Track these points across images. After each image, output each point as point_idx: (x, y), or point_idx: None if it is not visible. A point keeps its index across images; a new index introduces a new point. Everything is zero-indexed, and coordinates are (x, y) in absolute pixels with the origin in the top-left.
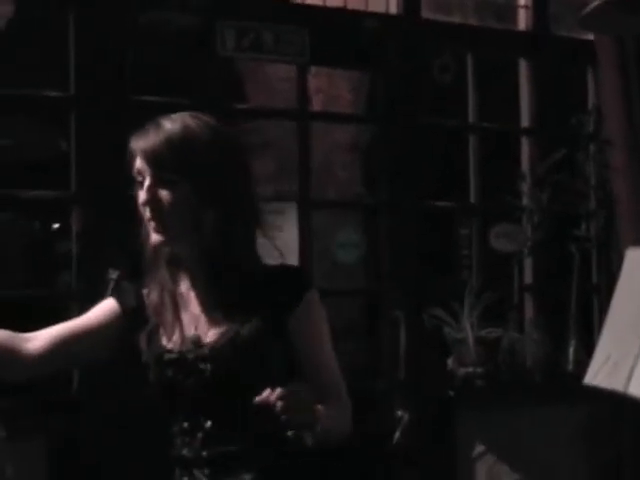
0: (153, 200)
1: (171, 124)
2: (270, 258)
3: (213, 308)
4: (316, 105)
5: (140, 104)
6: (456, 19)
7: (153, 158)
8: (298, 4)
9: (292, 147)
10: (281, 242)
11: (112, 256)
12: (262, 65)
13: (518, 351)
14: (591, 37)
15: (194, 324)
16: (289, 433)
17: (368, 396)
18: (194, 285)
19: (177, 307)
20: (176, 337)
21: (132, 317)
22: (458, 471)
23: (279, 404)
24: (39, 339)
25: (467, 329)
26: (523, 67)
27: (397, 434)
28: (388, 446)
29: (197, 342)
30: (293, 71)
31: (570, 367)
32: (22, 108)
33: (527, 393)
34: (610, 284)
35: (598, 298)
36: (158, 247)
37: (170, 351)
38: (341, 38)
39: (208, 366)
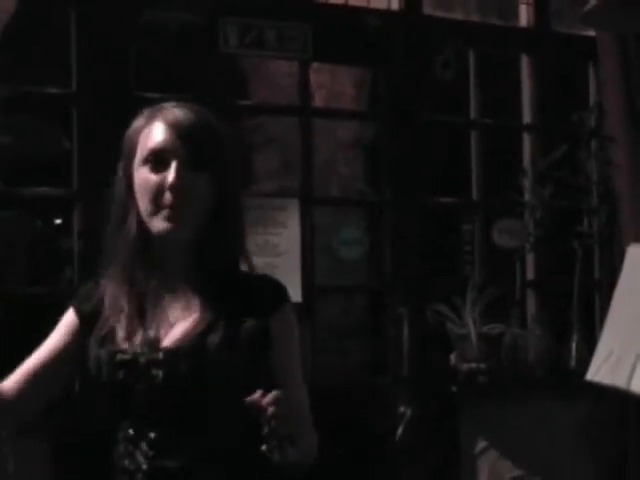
0: (180, 184)
1: (198, 107)
2: (270, 257)
3: (182, 311)
4: (319, 101)
5: (143, 101)
6: (458, 15)
7: (190, 134)
8: (300, 0)
9: (295, 144)
10: (284, 239)
11: None
12: (265, 61)
13: (521, 347)
14: (592, 33)
15: (157, 326)
16: (264, 447)
17: (371, 392)
18: (166, 285)
19: (142, 306)
20: (137, 338)
21: (89, 321)
22: (461, 467)
23: (271, 409)
24: (10, 386)
25: (470, 325)
26: (525, 63)
27: (400, 430)
28: (391, 442)
29: (153, 345)
30: (296, 67)
31: (572, 363)
32: (24, 105)
33: (530, 389)
34: (612, 280)
35: (600, 294)
36: (166, 235)
37: (124, 351)
38: (343, 35)
39: (160, 372)
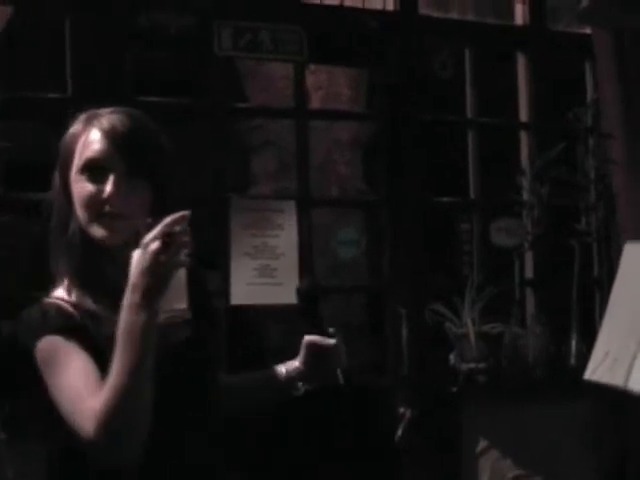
0: (118, 194)
1: (135, 112)
2: (268, 259)
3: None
4: (316, 102)
5: (139, 105)
6: (454, 15)
7: (128, 143)
8: (295, 2)
9: (292, 145)
10: (281, 240)
11: None
12: (261, 64)
13: (520, 346)
14: (589, 31)
15: None
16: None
17: (370, 392)
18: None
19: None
20: None
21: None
22: (462, 467)
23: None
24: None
25: (469, 325)
26: (521, 62)
27: (400, 430)
28: (391, 442)
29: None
30: (292, 69)
31: (572, 361)
32: (20, 110)
33: (530, 388)
34: (611, 277)
35: (599, 291)
36: (107, 242)
37: None
38: (339, 36)
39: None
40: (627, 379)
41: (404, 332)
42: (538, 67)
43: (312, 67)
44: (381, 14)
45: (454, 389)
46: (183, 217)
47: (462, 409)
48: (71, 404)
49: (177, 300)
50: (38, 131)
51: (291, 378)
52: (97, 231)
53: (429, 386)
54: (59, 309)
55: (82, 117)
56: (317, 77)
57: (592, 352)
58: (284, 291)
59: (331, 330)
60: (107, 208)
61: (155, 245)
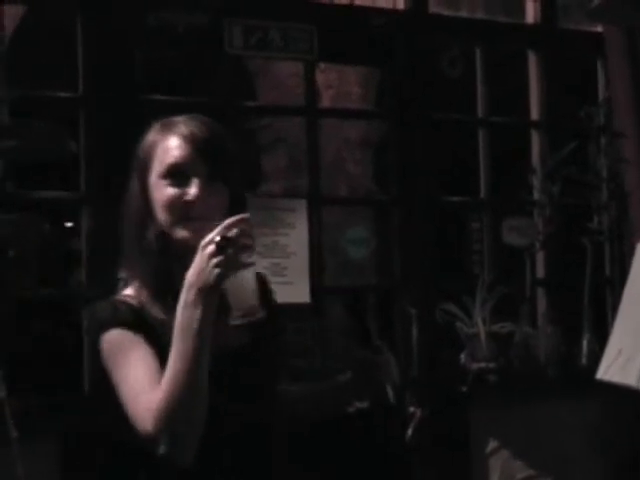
0: (203, 196)
1: (208, 120)
2: (279, 258)
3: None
4: (326, 101)
5: (149, 104)
6: (464, 13)
7: (210, 148)
8: (305, 1)
9: (302, 144)
10: (292, 239)
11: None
12: (271, 62)
13: (531, 346)
14: (600, 29)
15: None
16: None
17: (381, 392)
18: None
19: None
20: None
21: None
22: (472, 467)
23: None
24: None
25: (479, 324)
26: (532, 60)
27: (410, 430)
28: (401, 442)
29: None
30: (302, 68)
31: (584, 361)
32: (31, 109)
33: (541, 388)
34: (623, 277)
35: (611, 291)
36: (191, 242)
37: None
38: (349, 34)
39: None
40: (639, 378)
41: (414, 331)
42: (549, 65)
43: (322, 66)
44: (391, 13)
45: (464, 389)
46: (242, 220)
47: (472, 409)
48: (131, 396)
49: (248, 299)
50: (49, 130)
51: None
52: (181, 233)
53: (439, 386)
54: (129, 306)
55: (157, 125)
56: (327, 76)
57: (604, 352)
58: (295, 290)
59: (379, 344)
60: (191, 211)
61: (210, 249)
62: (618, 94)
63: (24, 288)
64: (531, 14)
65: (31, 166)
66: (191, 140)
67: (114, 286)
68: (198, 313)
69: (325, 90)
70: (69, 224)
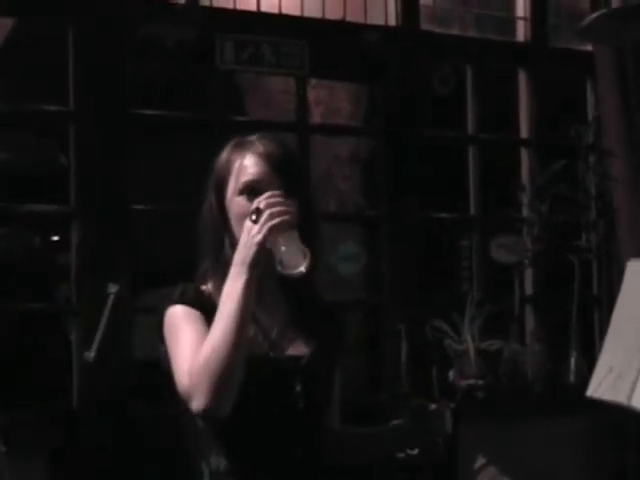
0: (292, 211)
1: (277, 138)
2: None
3: (287, 323)
4: (317, 117)
5: (139, 118)
6: (455, 31)
7: (284, 165)
8: (297, 17)
9: None
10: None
11: (111, 270)
12: (262, 77)
13: (519, 363)
14: (590, 48)
15: (267, 333)
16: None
17: (368, 408)
18: (265, 296)
19: (254, 316)
20: (258, 343)
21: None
22: None
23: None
24: None
25: (468, 341)
26: (522, 78)
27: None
28: (389, 459)
29: (283, 352)
30: (293, 83)
31: (572, 378)
32: (22, 122)
33: (529, 405)
34: (611, 294)
35: (599, 309)
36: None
37: (259, 356)
38: (340, 50)
39: (298, 378)
40: (630, 396)
41: (403, 348)
42: (539, 84)
43: (313, 82)
44: (383, 29)
45: (453, 405)
46: (271, 195)
47: (460, 425)
48: (179, 362)
49: (294, 254)
50: (39, 143)
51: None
52: (257, 238)
53: (428, 402)
54: (197, 289)
55: (231, 144)
56: (317, 92)
57: (594, 369)
58: None
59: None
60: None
61: (247, 224)
62: (607, 113)
63: (12, 301)
64: (522, 33)
65: (21, 179)
66: (267, 158)
67: (103, 300)
68: (241, 281)
69: (315, 106)
70: (56, 237)
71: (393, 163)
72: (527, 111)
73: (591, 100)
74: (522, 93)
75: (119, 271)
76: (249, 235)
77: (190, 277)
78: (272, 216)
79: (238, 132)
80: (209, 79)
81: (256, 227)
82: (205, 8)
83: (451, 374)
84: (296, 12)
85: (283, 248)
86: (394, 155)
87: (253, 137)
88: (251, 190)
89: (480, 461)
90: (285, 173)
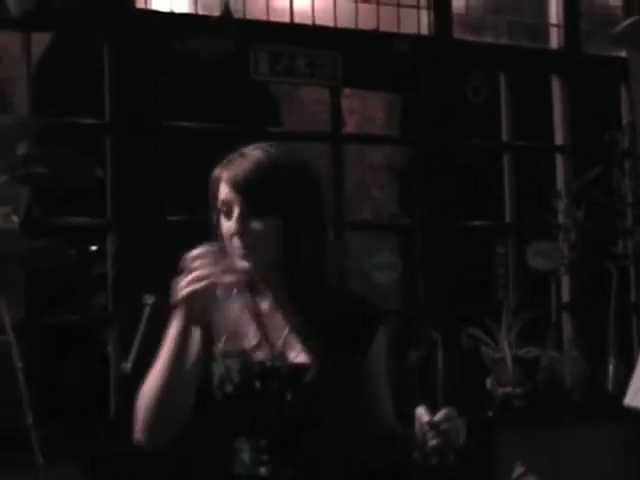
0: (243, 231)
1: (258, 154)
2: None
3: (299, 331)
4: (351, 126)
5: (175, 130)
6: (488, 39)
7: (244, 189)
8: (330, 27)
9: (327, 169)
10: None
11: (147, 281)
12: (296, 88)
13: (557, 370)
14: (623, 54)
15: (280, 342)
16: (415, 455)
17: (406, 417)
18: (278, 305)
19: (260, 323)
20: (261, 350)
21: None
22: None
23: (444, 426)
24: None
25: (505, 349)
26: (556, 85)
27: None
28: (427, 469)
29: (286, 360)
30: (327, 94)
31: (610, 386)
32: (58, 136)
33: (567, 413)
34: None
35: (637, 315)
36: (244, 273)
37: (261, 363)
38: (374, 60)
39: (301, 386)
40: None
41: (439, 356)
42: (573, 90)
43: (346, 91)
44: (415, 38)
45: (490, 414)
46: (197, 257)
47: (498, 434)
48: None
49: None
50: (75, 156)
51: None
52: (237, 261)
53: (465, 411)
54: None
55: (225, 160)
56: (351, 102)
57: (632, 377)
58: None
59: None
60: (237, 242)
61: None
62: None
63: (49, 313)
64: (555, 39)
65: (58, 192)
66: (229, 181)
67: (139, 311)
68: (176, 327)
69: (349, 116)
70: (93, 248)
71: (428, 171)
72: (561, 118)
73: (625, 105)
74: (556, 100)
75: (155, 282)
76: (177, 292)
77: None
78: (188, 283)
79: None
80: (243, 91)
81: (182, 281)
82: (239, 20)
83: (488, 382)
84: (329, 23)
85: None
86: (429, 163)
87: (239, 153)
88: (224, 209)
89: (518, 470)
90: (247, 196)
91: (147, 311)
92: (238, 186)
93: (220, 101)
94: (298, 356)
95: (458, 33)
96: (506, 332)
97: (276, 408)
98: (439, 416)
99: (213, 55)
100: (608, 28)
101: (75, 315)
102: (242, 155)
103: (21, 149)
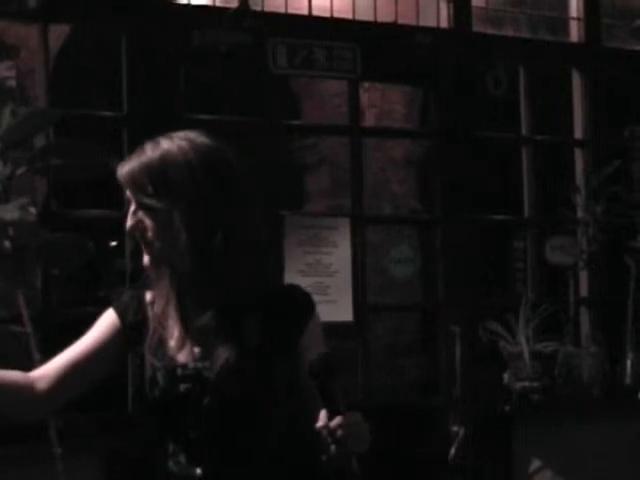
0: (136, 225)
1: (151, 149)
2: (322, 276)
3: (220, 326)
4: (370, 120)
5: (193, 122)
6: (508, 32)
7: (132, 185)
8: (349, 20)
9: (347, 163)
10: (335, 258)
11: None
12: (315, 81)
13: (575, 365)
14: None
15: (203, 341)
16: (323, 457)
17: (424, 411)
18: (201, 301)
19: (184, 322)
20: (186, 353)
21: (133, 330)
22: None
23: (340, 432)
24: (48, 372)
25: (523, 343)
26: (576, 78)
27: (453, 449)
28: (444, 461)
29: (210, 361)
30: (346, 86)
31: (628, 380)
32: (77, 128)
33: (585, 407)
34: None
35: None
36: (147, 267)
37: (184, 366)
38: (393, 53)
39: (227, 388)
40: None
41: (457, 350)
42: (593, 84)
43: (366, 85)
44: (435, 32)
45: (508, 408)
46: None
47: (515, 428)
48: None
49: None
50: (93, 148)
51: None
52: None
53: (482, 405)
54: (135, 295)
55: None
56: (371, 95)
57: None
58: (338, 308)
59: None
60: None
61: None
62: None
63: (68, 307)
64: (575, 33)
65: (75, 185)
66: (120, 175)
67: None
68: None
69: (368, 109)
70: (114, 243)
71: (447, 165)
72: (581, 111)
73: None
74: (576, 93)
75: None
76: None
77: None
78: None
79: (292, 135)
80: (262, 83)
81: None
82: (257, 13)
83: (506, 376)
84: (348, 15)
85: None
86: (448, 157)
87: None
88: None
89: (535, 464)
90: (135, 192)
91: (114, 296)
92: (126, 182)
93: (238, 94)
94: (218, 358)
95: (478, 26)
96: (524, 326)
97: (200, 411)
98: (335, 422)
99: (231, 48)
100: (628, 22)
101: (93, 307)
102: (138, 151)
103: (39, 141)
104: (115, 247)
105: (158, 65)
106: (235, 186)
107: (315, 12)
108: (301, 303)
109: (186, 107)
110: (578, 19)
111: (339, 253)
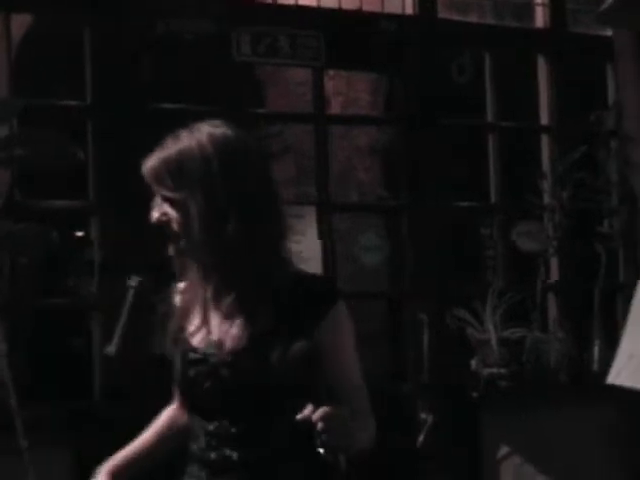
0: (162, 218)
1: (171, 143)
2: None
3: (237, 313)
4: (336, 108)
5: (157, 112)
6: (473, 18)
7: (154, 179)
8: (313, 7)
9: (312, 151)
10: (304, 246)
11: (133, 263)
12: (280, 69)
13: (542, 351)
14: (609, 33)
15: (220, 327)
16: (321, 451)
17: (392, 398)
18: (220, 289)
19: (206, 309)
20: (201, 338)
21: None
22: (484, 473)
23: (320, 425)
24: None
25: (490, 330)
26: (541, 64)
27: (421, 437)
28: (412, 449)
29: (219, 346)
30: (311, 74)
31: (595, 367)
32: (40, 118)
33: (552, 393)
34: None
35: (623, 296)
36: (174, 258)
37: (195, 350)
38: (357, 40)
39: (227, 372)
40: None
41: (425, 337)
42: (559, 70)
43: (331, 72)
44: (400, 18)
45: (475, 394)
46: None
47: (484, 414)
48: None
49: None
50: (57, 138)
51: None
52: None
53: (450, 392)
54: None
55: None
56: (336, 82)
57: (615, 356)
58: None
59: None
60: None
61: None
62: (628, 98)
63: (35, 297)
64: (540, 19)
65: (39, 175)
66: (144, 170)
67: (125, 293)
68: None
69: (334, 97)
70: (80, 233)
71: (413, 152)
72: (547, 98)
73: (611, 85)
74: (541, 79)
75: (140, 265)
76: None
77: None
78: None
79: (256, 124)
80: (227, 71)
81: None
82: (221, 1)
83: (473, 363)
84: (312, 3)
85: None
86: (414, 144)
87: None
88: None
89: (503, 450)
90: (157, 186)
91: (131, 293)
92: (149, 176)
93: (203, 82)
94: (235, 342)
95: (443, 12)
96: (491, 313)
97: (212, 395)
98: (316, 414)
99: (195, 36)
100: (594, 7)
101: (58, 299)
102: (162, 145)
103: (2, 131)
104: (81, 237)
105: (122, 54)
106: (251, 176)
107: (279, 0)
108: (322, 290)
109: (150, 96)
110: (543, 5)
111: (307, 242)
